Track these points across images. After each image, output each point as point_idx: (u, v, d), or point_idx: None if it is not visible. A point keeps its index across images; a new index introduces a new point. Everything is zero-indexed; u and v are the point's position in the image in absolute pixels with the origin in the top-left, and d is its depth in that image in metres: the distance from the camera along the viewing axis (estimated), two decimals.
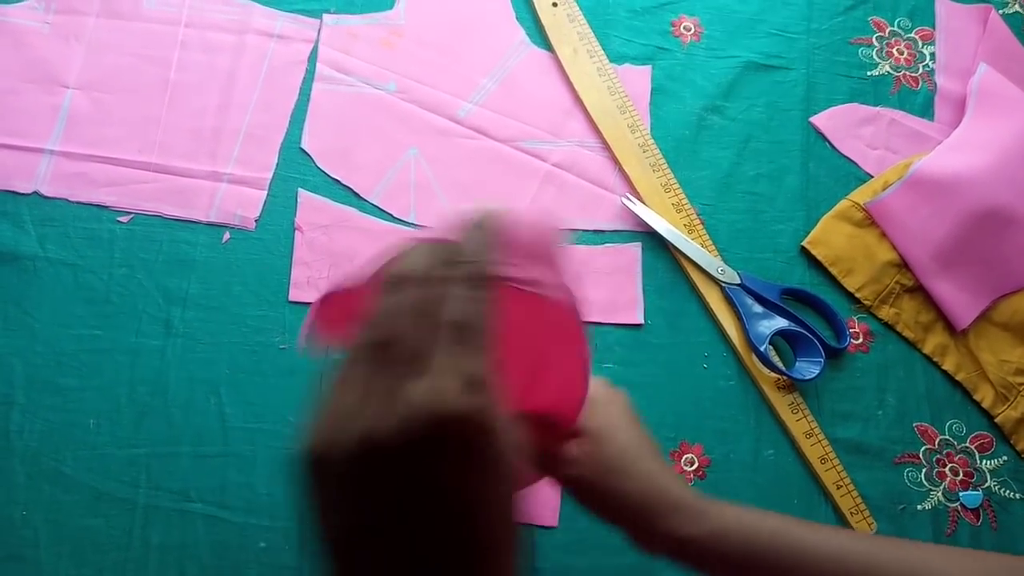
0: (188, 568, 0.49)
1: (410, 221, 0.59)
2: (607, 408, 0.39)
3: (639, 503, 0.37)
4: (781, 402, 0.56)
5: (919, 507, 0.55)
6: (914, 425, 0.57)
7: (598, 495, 0.38)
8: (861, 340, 0.59)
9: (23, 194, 0.55)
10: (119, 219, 0.56)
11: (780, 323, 0.57)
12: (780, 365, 0.56)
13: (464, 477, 0.22)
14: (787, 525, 0.38)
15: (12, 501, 0.49)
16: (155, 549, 0.49)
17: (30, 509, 0.49)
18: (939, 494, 0.56)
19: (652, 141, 0.63)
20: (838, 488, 0.54)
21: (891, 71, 0.68)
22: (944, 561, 0.37)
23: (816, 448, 0.55)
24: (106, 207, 0.56)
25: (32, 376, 0.51)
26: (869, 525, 0.54)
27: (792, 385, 0.57)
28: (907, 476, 0.56)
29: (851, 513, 0.54)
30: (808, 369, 0.56)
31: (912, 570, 0.36)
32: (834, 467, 0.55)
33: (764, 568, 0.37)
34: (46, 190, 0.56)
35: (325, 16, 0.63)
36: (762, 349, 0.56)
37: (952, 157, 0.61)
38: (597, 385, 0.40)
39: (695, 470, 0.55)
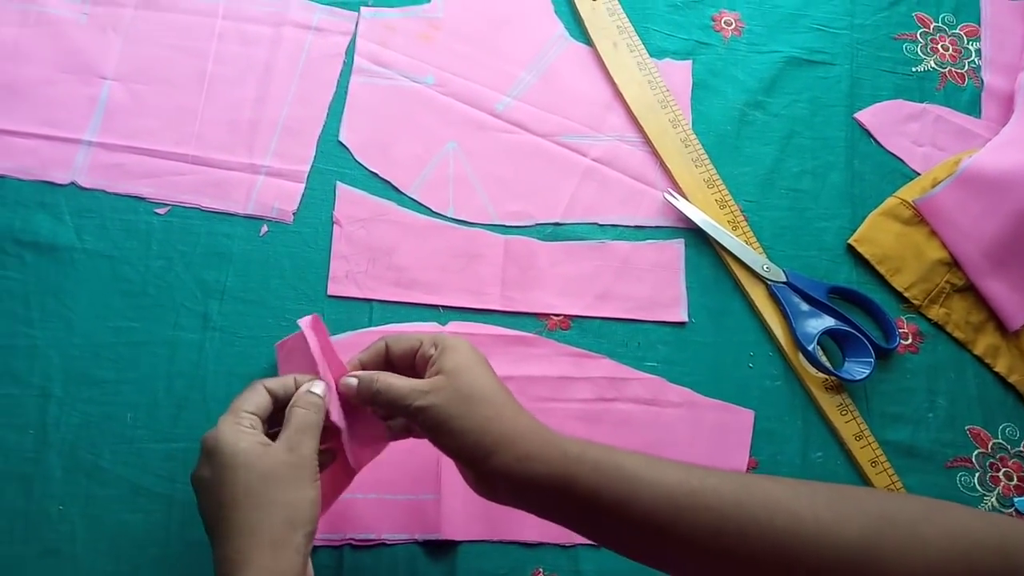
0: None
1: (449, 215, 0.58)
2: (461, 352, 0.41)
3: (491, 429, 0.38)
4: (829, 403, 0.55)
5: None
6: (966, 428, 0.56)
7: (450, 422, 0.38)
8: (910, 340, 0.58)
9: (60, 185, 0.55)
10: (156, 211, 0.55)
11: (828, 322, 0.56)
12: (828, 365, 0.55)
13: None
14: (613, 457, 0.38)
15: (49, 495, 0.48)
16: (193, 545, 0.48)
17: (67, 503, 0.48)
18: (993, 499, 0.54)
19: (694, 136, 0.61)
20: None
21: (936, 67, 0.67)
22: (776, 488, 0.37)
23: (866, 451, 0.54)
24: (143, 198, 0.55)
25: (69, 368, 0.51)
26: None
27: (840, 386, 0.56)
28: (960, 480, 0.54)
29: None
30: (858, 370, 0.55)
31: (739, 492, 0.36)
32: (885, 471, 0.53)
33: (579, 497, 0.37)
34: (83, 181, 0.55)
35: (363, 9, 0.62)
36: (810, 348, 0.55)
37: (1003, 154, 0.59)
38: (456, 337, 0.42)
39: None
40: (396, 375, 0.41)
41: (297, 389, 0.42)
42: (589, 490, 0.37)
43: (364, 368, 0.44)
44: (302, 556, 0.37)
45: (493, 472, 0.38)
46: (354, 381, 0.42)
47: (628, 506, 0.36)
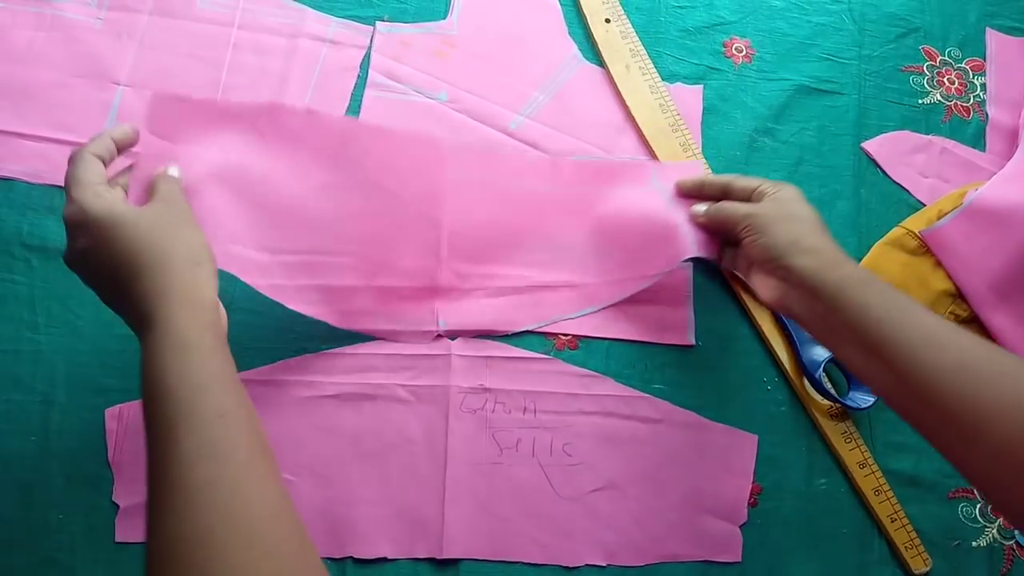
0: None
1: None
2: (790, 190, 0.50)
3: (801, 239, 0.47)
4: (834, 430, 0.55)
5: (974, 544, 0.54)
6: None
7: (769, 227, 0.48)
8: None
9: None
10: None
11: None
12: (833, 392, 0.55)
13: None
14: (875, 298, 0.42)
15: (49, 504, 0.48)
16: None
17: (67, 513, 0.48)
18: (994, 531, 0.54)
19: (704, 160, 0.62)
20: (892, 521, 0.53)
21: (942, 100, 0.68)
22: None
23: (870, 479, 0.54)
24: None
25: (74, 375, 0.50)
26: (924, 560, 0.52)
27: (844, 413, 0.56)
28: (962, 511, 0.55)
29: (905, 548, 0.53)
30: (862, 398, 0.55)
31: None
32: (888, 499, 0.54)
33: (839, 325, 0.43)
34: None
35: (378, 23, 0.62)
36: (816, 375, 0.55)
37: (1009, 187, 0.60)
38: (790, 184, 0.51)
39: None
40: (730, 201, 0.52)
41: (115, 146, 0.43)
42: (859, 302, 0.42)
43: (704, 190, 0.54)
44: (213, 287, 0.39)
45: (792, 268, 0.45)
46: (703, 208, 0.53)
47: (888, 323, 0.40)
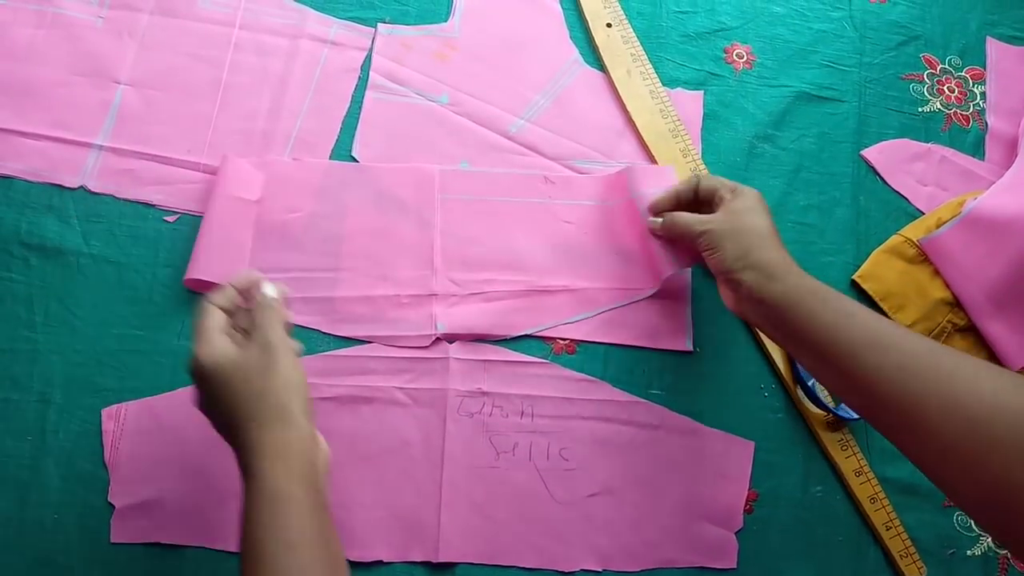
0: None
1: None
2: (747, 199, 0.50)
3: (752, 253, 0.47)
4: (830, 438, 0.55)
5: (968, 552, 0.54)
6: None
7: (722, 242, 0.49)
8: None
9: (69, 188, 0.54)
10: (165, 218, 0.55)
11: None
12: (828, 402, 0.55)
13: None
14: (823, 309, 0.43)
15: (45, 503, 0.48)
16: (189, 560, 0.47)
17: (62, 513, 0.48)
18: (988, 540, 0.54)
19: (704, 166, 0.62)
20: (887, 529, 0.53)
21: (942, 108, 0.68)
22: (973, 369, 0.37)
23: (866, 487, 0.54)
24: (153, 205, 0.55)
25: (71, 375, 0.50)
26: (919, 569, 0.52)
27: (840, 421, 0.56)
28: (957, 520, 0.55)
29: (900, 556, 0.53)
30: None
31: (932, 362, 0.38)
32: (884, 507, 0.54)
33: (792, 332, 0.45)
34: (93, 185, 0.55)
35: (379, 25, 0.62)
36: (810, 384, 0.55)
37: (1007, 197, 0.60)
38: (749, 187, 0.51)
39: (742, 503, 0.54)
40: (686, 212, 0.52)
41: (238, 293, 0.44)
42: (806, 311, 0.44)
43: (680, 198, 0.54)
44: (306, 418, 0.41)
45: (741, 283, 0.47)
46: (659, 220, 0.53)
47: (835, 329, 0.42)
